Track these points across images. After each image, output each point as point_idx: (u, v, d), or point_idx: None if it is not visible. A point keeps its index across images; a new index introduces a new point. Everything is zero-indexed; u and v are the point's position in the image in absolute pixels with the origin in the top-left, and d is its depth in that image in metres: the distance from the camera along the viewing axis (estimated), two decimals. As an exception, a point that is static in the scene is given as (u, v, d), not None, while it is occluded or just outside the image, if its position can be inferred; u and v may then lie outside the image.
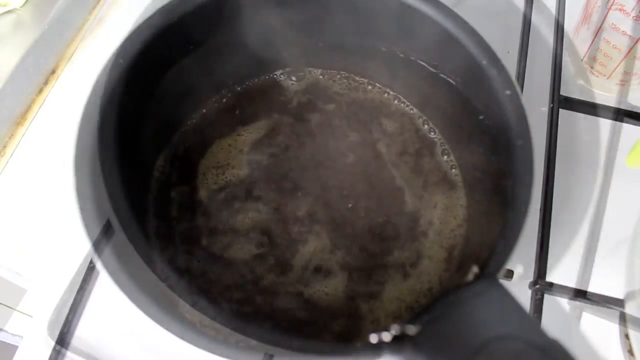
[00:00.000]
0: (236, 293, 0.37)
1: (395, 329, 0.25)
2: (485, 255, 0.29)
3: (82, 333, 0.41)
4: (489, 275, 0.27)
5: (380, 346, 0.25)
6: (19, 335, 0.55)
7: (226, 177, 0.40)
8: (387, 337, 0.25)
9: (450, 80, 0.38)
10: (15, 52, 0.49)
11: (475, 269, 0.27)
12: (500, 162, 0.34)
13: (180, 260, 0.38)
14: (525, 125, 0.31)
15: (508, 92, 0.32)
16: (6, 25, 0.50)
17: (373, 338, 0.26)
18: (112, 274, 0.27)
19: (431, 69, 0.39)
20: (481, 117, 0.35)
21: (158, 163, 0.41)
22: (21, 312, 0.52)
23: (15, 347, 0.45)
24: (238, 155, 0.41)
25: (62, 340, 0.40)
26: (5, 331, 0.53)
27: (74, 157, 0.30)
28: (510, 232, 0.28)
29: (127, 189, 0.35)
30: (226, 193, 0.40)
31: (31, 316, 0.51)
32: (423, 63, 0.39)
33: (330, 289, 0.37)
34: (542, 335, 0.23)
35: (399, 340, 0.25)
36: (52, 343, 0.40)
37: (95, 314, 0.42)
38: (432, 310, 0.25)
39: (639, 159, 0.32)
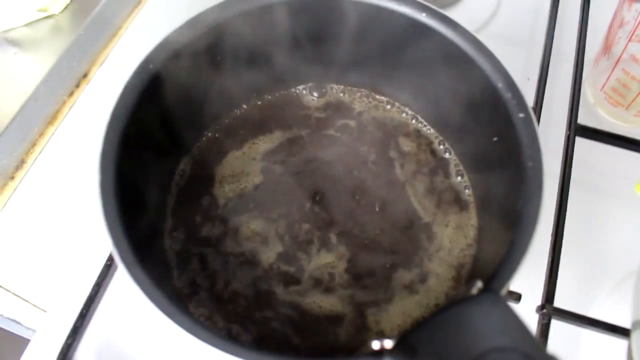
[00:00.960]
0: (247, 297, 0.38)
1: (375, 344, 0.26)
2: (492, 274, 0.29)
3: (96, 328, 0.42)
4: (492, 290, 0.27)
5: (382, 353, 0.26)
6: (32, 329, 0.56)
7: (241, 184, 0.42)
8: (388, 344, 0.26)
9: (467, 102, 0.39)
10: (51, 55, 0.52)
11: (479, 284, 0.27)
12: (512, 185, 0.34)
13: (194, 263, 0.39)
14: (537, 147, 0.32)
15: (522, 115, 0.33)
16: (45, 29, 0.53)
17: (375, 345, 0.26)
18: (128, 268, 0.28)
19: (449, 90, 0.40)
20: (495, 139, 0.36)
21: (180, 167, 0.43)
22: (36, 306, 0.53)
23: (28, 341, 0.46)
24: (252, 163, 0.43)
25: (75, 335, 0.41)
26: (20, 323, 0.55)
27: (100, 155, 0.32)
28: (516, 251, 0.29)
29: (144, 191, 0.36)
30: (239, 199, 0.41)
31: (45, 311, 0.53)
32: (441, 84, 0.40)
33: (338, 299, 0.38)
34: (541, 349, 0.23)
35: (400, 347, 0.25)
36: (64, 337, 0.41)
37: (109, 311, 0.43)
38: (434, 320, 0.26)
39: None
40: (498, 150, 0.36)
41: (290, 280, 0.39)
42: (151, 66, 0.35)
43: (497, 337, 0.24)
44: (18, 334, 0.61)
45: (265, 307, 0.37)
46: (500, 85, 0.34)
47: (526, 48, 0.60)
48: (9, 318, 0.53)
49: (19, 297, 0.52)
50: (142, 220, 0.34)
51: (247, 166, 0.42)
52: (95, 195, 0.31)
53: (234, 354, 0.26)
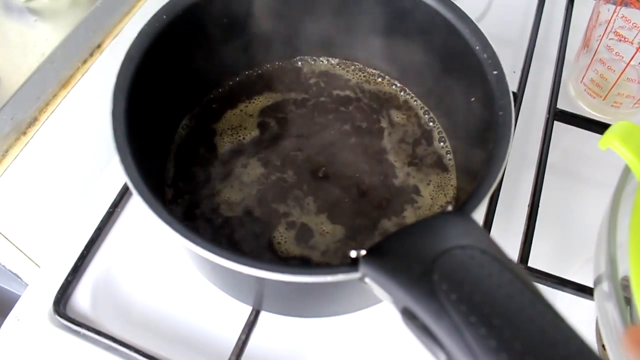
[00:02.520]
0: (234, 229, 0.41)
1: (353, 253, 0.29)
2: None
3: (95, 269, 0.45)
4: (460, 210, 0.30)
5: (357, 261, 0.29)
6: (26, 284, 0.58)
7: (239, 136, 0.45)
8: (363, 252, 0.29)
9: (449, 68, 0.42)
10: (68, 24, 0.55)
11: (449, 208, 0.30)
12: (486, 141, 0.37)
13: (190, 200, 0.42)
14: (508, 99, 0.35)
15: (495, 72, 0.36)
16: (64, 1, 0.57)
17: (353, 254, 0.29)
18: (132, 180, 0.31)
19: (433, 59, 0.44)
20: (472, 99, 0.40)
21: (183, 122, 0.46)
22: (32, 260, 0.55)
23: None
24: (249, 119, 0.46)
25: (75, 274, 0.44)
26: (20, 278, 0.57)
27: (114, 86, 0.35)
28: (485, 183, 0.32)
29: (150, 131, 0.40)
30: (237, 148, 0.45)
31: (39, 266, 0.55)
32: (425, 53, 0.44)
33: (317, 243, 0.41)
34: (498, 248, 0.26)
35: (373, 253, 0.28)
36: (65, 275, 0.44)
37: (109, 254, 0.46)
38: (404, 229, 0.29)
39: (610, 141, 0.35)
40: (475, 109, 0.40)
41: (278, 221, 0.42)
42: (165, 17, 0.39)
43: (460, 239, 0.26)
44: (15, 292, 0.64)
45: (251, 242, 0.40)
46: (477, 47, 0.38)
47: (515, 45, 0.64)
48: (10, 271, 0.56)
49: (20, 250, 0.55)
50: (146, 154, 0.37)
51: (244, 122, 0.46)
52: (106, 122, 0.34)
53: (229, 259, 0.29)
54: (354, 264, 0.29)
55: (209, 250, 0.29)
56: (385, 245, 0.28)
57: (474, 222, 0.28)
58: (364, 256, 0.28)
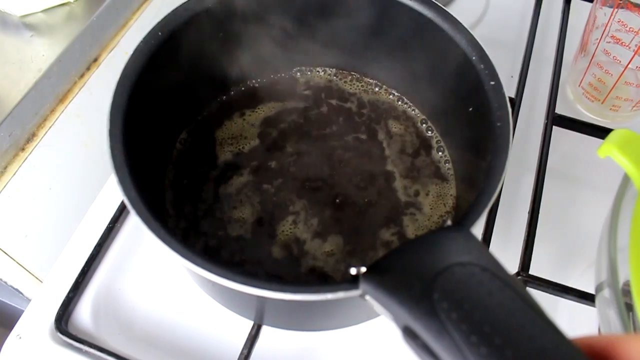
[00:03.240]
0: (233, 243, 0.41)
1: (353, 270, 0.29)
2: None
3: (96, 284, 0.45)
4: (459, 224, 0.30)
5: (357, 278, 0.29)
6: (28, 299, 0.58)
7: (240, 146, 0.46)
8: (363, 269, 0.29)
9: (446, 78, 0.42)
10: (64, 39, 0.55)
11: (448, 222, 0.30)
12: (485, 152, 0.37)
13: (189, 211, 0.42)
14: (505, 110, 0.35)
15: (492, 82, 0.36)
16: (60, 16, 0.57)
17: (353, 271, 0.29)
18: (132, 202, 0.31)
19: (430, 69, 0.44)
20: (470, 109, 0.39)
21: (181, 137, 0.46)
22: (33, 275, 0.55)
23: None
24: (250, 129, 0.47)
25: (76, 290, 0.44)
26: (22, 293, 0.57)
27: (110, 106, 0.35)
28: (485, 195, 0.32)
29: (149, 148, 0.40)
30: (237, 158, 0.45)
31: (40, 280, 0.55)
32: (423, 64, 0.44)
33: (317, 255, 0.41)
34: (498, 264, 0.26)
35: (373, 270, 0.28)
36: (66, 291, 0.44)
37: (109, 269, 0.46)
38: (404, 246, 0.29)
39: (609, 150, 0.35)
40: (473, 119, 0.39)
41: (278, 231, 0.41)
42: (160, 33, 0.38)
43: (460, 255, 0.26)
44: (18, 307, 0.64)
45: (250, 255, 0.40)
46: (474, 57, 0.38)
47: (512, 49, 0.64)
48: (11, 286, 0.56)
49: (21, 265, 0.55)
50: (145, 171, 0.37)
51: (245, 131, 0.46)
52: (104, 141, 0.34)
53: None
54: (354, 281, 0.29)
55: (208, 269, 0.29)
56: (385, 263, 0.28)
57: (473, 238, 0.28)
58: (364, 273, 0.28)
